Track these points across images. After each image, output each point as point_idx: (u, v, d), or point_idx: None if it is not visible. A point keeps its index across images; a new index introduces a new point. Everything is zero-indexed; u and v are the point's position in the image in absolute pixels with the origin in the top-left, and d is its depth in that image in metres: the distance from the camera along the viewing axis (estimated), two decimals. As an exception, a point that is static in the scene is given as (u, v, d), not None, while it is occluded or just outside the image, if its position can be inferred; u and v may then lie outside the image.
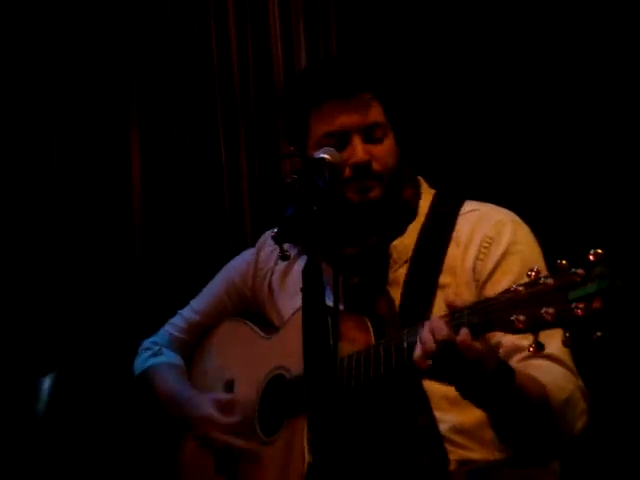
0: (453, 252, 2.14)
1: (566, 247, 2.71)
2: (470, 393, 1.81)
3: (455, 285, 2.11)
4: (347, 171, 2.13)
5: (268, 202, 3.26)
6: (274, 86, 3.31)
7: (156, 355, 2.51)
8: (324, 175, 1.88)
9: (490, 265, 2.09)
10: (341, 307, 2.13)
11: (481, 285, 2.09)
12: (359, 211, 2.16)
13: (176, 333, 2.54)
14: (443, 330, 1.72)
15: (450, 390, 1.90)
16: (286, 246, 1.79)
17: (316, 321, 1.70)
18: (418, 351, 1.75)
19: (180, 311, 2.57)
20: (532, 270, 1.66)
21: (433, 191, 2.28)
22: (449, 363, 1.72)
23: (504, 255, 2.09)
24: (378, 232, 2.17)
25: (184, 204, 3.35)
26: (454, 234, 2.15)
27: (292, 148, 2.28)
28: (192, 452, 2.40)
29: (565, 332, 1.62)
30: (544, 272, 1.66)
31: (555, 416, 1.91)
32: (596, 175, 2.99)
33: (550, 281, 1.62)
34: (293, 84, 2.40)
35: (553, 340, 1.75)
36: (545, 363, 1.98)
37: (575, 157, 3.02)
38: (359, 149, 2.14)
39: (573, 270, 1.59)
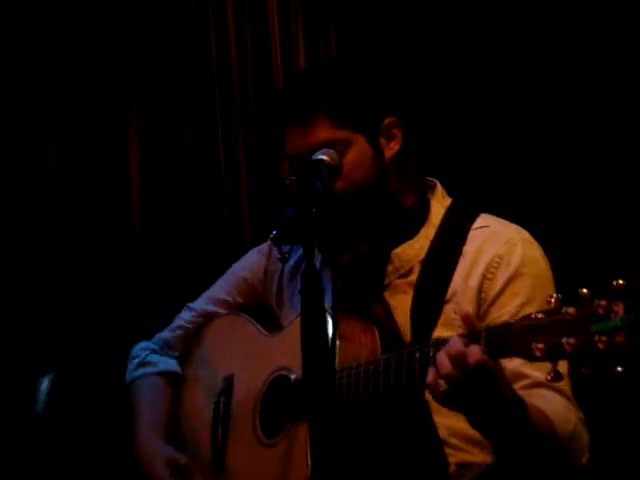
0: (462, 269, 2.08)
1: (578, 267, 2.72)
2: (480, 421, 1.78)
3: (459, 300, 2.07)
4: None
5: (267, 203, 3.26)
6: (273, 88, 3.31)
7: (143, 365, 2.47)
8: (323, 177, 1.88)
9: (499, 286, 2.05)
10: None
11: (488, 304, 2.05)
12: (347, 223, 2.11)
13: (184, 324, 2.49)
14: (476, 354, 1.67)
15: None
16: (287, 247, 1.78)
17: (314, 324, 1.69)
18: (431, 375, 1.72)
19: (189, 303, 2.53)
20: (552, 297, 1.63)
21: (449, 200, 2.22)
22: (467, 387, 1.69)
23: (513, 276, 2.05)
24: (370, 238, 2.14)
25: (182, 204, 3.35)
26: (464, 250, 2.10)
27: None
28: (190, 451, 2.36)
29: (555, 365, 1.60)
30: (546, 292, 1.63)
31: (562, 449, 1.90)
32: (615, 195, 2.93)
33: (572, 311, 1.59)
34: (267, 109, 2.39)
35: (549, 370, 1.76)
36: (548, 393, 1.96)
37: (598, 176, 2.97)
38: None
39: (596, 301, 1.56)
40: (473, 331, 1.73)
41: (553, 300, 1.63)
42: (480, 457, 2.03)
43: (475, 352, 1.67)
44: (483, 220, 2.16)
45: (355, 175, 2.08)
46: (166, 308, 2.75)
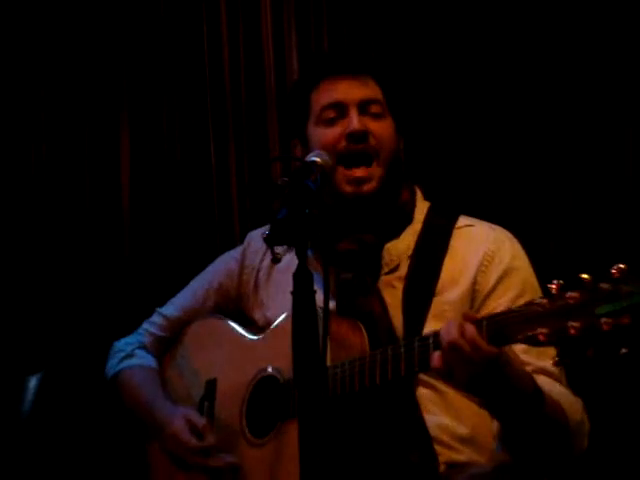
0: (450, 264, 2.15)
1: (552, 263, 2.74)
2: (496, 407, 1.84)
3: (449, 294, 2.12)
4: (342, 143, 2.15)
5: (257, 204, 3.26)
6: (265, 88, 3.31)
7: (129, 357, 2.47)
8: (315, 178, 1.88)
9: (493, 279, 2.12)
10: (332, 303, 2.15)
11: (484, 297, 2.11)
12: (353, 205, 2.16)
13: (155, 331, 2.50)
14: (451, 332, 1.75)
15: (439, 395, 1.92)
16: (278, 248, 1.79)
17: (306, 325, 1.70)
18: (436, 353, 1.78)
19: (159, 309, 2.53)
20: (553, 283, 1.66)
21: (428, 203, 2.30)
22: (459, 364, 1.74)
23: (507, 270, 2.12)
24: (374, 230, 2.18)
25: (173, 205, 3.34)
26: (450, 246, 2.17)
27: (296, 140, 2.29)
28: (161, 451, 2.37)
29: (559, 349, 1.62)
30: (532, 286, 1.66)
31: (571, 437, 1.95)
32: (581, 188, 2.98)
33: (576, 295, 1.62)
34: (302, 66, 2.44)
35: (548, 357, 1.78)
36: (548, 380, 1.99)
37: (563, 165, 3.01)
38: (355, 119, 2.16)
39: (600, 284, 1.59)
40: (475, 319, 1.78)
41: (554, 286, 1.66)
42: (469, 456, 2.05)
43: (479, 344, 1.72)
44: (465, 220, 2.24)
45: (386, 139, 2.18)
46: (155, 306, 2.74)
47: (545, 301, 1.67)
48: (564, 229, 3.01)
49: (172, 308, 2.51)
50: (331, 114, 2.18)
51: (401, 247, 2.19)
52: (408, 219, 2.23)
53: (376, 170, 2.16)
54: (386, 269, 2.18)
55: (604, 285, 1.58)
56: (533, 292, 2.08)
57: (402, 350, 1.91)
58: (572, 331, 1.60)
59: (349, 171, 2.15)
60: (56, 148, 3.37)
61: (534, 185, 3.06)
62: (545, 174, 3.05)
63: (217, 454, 2.19)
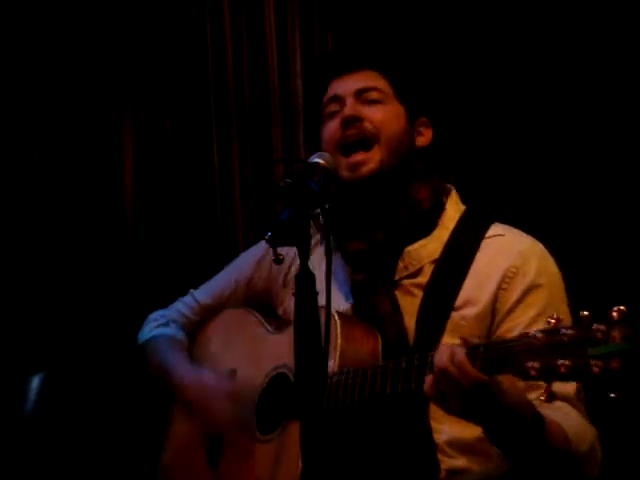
0: (473, 277, 2.09)
1: (589, 280, 2.69)
2: (496, 436, 1.80)
3: (468, 311, 2.07)
4: (339, 133, 2.15)
5: (260, 204, 3.25)
6: (268, 88, 3.30)
7: (163, 326, 2.50)
8: (319, 179, 1.87)
9: (514, 297, 2.05)
10: (350, 302, 2.15)
11: (503, 315, 2.05)
12: (352, 191, 2.14)
13: (186, 312, 2.52)
14: (458, 355, 1.71)
15: None
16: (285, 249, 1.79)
17: (308, 326, 1.70)
18: (428, 383, 1.75)
19: (192, 291, 2.55)
20: (552, 317, 1.64)
21: (463, 207, 2.23)
22: (450, 391, 1.72)
23: (529, 288, 2.05)
24: (383, 225, 2.14)
25: (176, 206, 3.34)
26: (477, 257, 2.11)
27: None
28: (182, 446, 2.38)
29: (550, 386, 1.61)
30: (565, 320, 1.63)
31: (576, 466, 1.91)
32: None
33: (571, 332, 1.59)
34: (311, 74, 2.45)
35: (570, 384, 1.79)
36: (564, 406, 1.95)
37: (609, 188, 2.96)
38: (349, 106, 2.17)
39: (595, 325, 1.56)
40: (473, 345, 1.75)
41: (553, 321, 1.64)
42: (468, 463, 2.04)
43: (468, 371, 1.69)
44: (497, 229, 2.17)
45: (386, 123, 2.16)
46: (158, 308, 2.74)
47: (541, 335, 1.64)
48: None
49: (204, 293, 2.53)
50: (331, 109, 2.20)
51: (424, 252, 2.14)
52: (431, 220, 2.16)
53: (376, 154, 2.14)
54: (405, 272, 2.14)
55: (600, 326, 1.56)
56: (555, 312, 1.97)
57: (403, 366, 1.89)
58: (562, 369, 1.58)
59: (348, 158, 2.14)
60: (59, 148, 3.36)
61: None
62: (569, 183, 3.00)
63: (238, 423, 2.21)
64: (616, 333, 1.54)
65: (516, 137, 3.04)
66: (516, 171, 3.04)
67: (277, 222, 1.75)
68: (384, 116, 2.17)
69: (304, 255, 1.73)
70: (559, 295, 2.07)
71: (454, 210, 2.20)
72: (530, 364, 1.62)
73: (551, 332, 1.62)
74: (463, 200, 2.26)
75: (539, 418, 1.79)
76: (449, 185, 2.25)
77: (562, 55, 3.00)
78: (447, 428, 2.02)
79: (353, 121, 2.14)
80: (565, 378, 1.59)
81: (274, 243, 1.76)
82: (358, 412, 2.01)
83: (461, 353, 1.72)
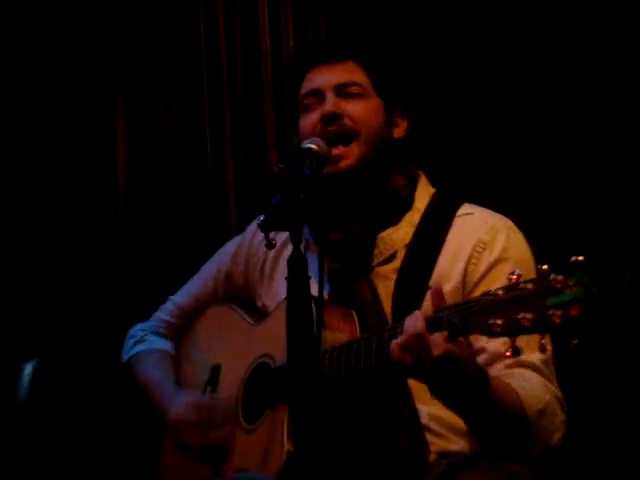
0: (445, 256, 2.12)
1: (561, 253, 2.72)
2: (440, 393, 1.81)
3: (443, 289, 2.02)
4: (319, 127, 2.15)
5: (253, 190, 3.26)
6: (261, 74, 3.30)
7: (140, 342, 2.50)
8: (311, 164, 1.88)
9: (482, 269, 2.09)
10: (326, 291, 2.14)
11: (471, 288, 2.08)
12: (331, 184, 2.14)
13: (167, 317, 2.53)
14: (417, 322, 1.74)
15: None
16: (272, 234, 1.78)
17: (300, 311, 1.70)
18: (395, 341, 1.77)
19: (171, 297, 2.56)
20: (513, 273, 1.66)
21: (433, 189, 2.27)
22: (416, 356, 1.73)
23: (496, 261, 2.09)
24: (365, 218, 2.16)
25: (169, 192, 3.34)
26: (448, 236, 2.15)
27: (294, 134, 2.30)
28: (173, 446, 2.39)
29: (541, 339, 1.62)
30: (525, 277, 1.64)
31: (530, 426, 1.91)
32: (595, 178, 2.93)
33: (529, 286, 1.61)
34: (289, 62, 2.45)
35: (534, 349, 1.77)
36: (527, 372, 1.98)
37: (572, 159, 2.97)
38: (328, 102, 2.17)
39: (553, 276, 1.58)
40: (439, 307, 1.76)
41: (514, 277, 1.65)
42: (459, 446, 2.04)
43: (439, 342, 1.71)
44: (466, 208, 2.21)
45: (366, 119, 2.17)
46: (151, 295, 2.75)
47: (501, 291, 1.65)
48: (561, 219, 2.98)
49: (182, 296, 2.54)
50: (309, 101, 2.20)
51: (397, 236, 2.17)
52: (404, 206, 2.20)
53: (355, 149, 2.14)
54: (380, 258, 2.16)
55: (557, 276, 1.57)
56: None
57: (374, 339, 1.90)
58: (525, 323, 1.59)
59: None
60: (52, 130, 3.38)
61: (540, 175, 3.02)
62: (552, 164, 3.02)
63: (218, 429, 2.22)
64: (572, 282, 1.55)
65: (491, 123, 3.05)
66: (492, 157, 3.06)
67: (269, 206, 1.75)
68: (364, 112, 2.18)
69: (296, 239, 1.73)
70: (526, 266, 2.07)
71: (424, 192, 2.24)
72: (493, 321, 1.63)
73: (511, 288, 1.64)
74: (433, 184, 2.29)
75: (482, 373, 1.80)
76: (418, 170, 2.28)
77: (538, 43, 3.00)
78: (433, 409, 2.03)
79: (333, 118, 2.15)
80: (529, 331, 1.60)
81: (266, 228, 1.76)
82: (344, 392, 2.01)
83: (419, 316, 1.74)
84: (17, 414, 2.73)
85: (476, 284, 2.08)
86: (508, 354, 1.64)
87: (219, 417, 2.23)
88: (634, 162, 2.89)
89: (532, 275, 1.97)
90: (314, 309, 1.73)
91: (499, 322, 1.63)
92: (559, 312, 1.55)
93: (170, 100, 3.37)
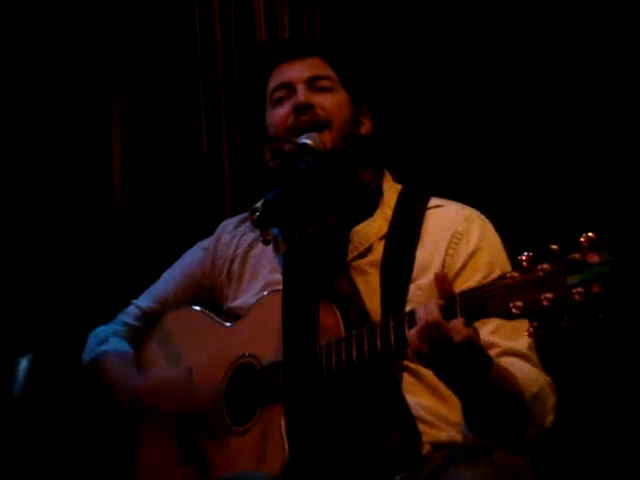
0: (422, 248, 2.15)
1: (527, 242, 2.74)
2: (448, 375, 1.82)
3: (424, 280, 2.11)
4: (290, 119, 2.19)
5: (248, 186, 3.25)
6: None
7: (103, 343, 2.48)
8: (306, 160, 1.88)
9: (460, 261, 2.13)
10: None
11: (451, 279, 2.06)
12: (321, 189, 2.13)
13: (130, 321, 2.52)
14: (433, 313, 1.74)
15: (420, 379, 1.96)
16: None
17: (298, 307, 1.69)
18: (413, 330, 1.77)
19: (134, 300, 2.55)
20: (523, 255, 1.66)
21: (399, 185, 2.31)
22: (436, 345, 1.74)
23: (474, 251, 2.13)
24: (337, 211, 2.18)
25: (165, 188, 3.34)
26: (422, 228, 2.18)
27: (265, 145, 2.32)
28: (152, 444, 2.36)
29: (533, 321, 1.62)
30: (501, 266, 1.65)
31: (527, 408, 1.93)
32: (555, 167, 2.97)
33: (547, 266, 1.62)
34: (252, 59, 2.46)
35: (521, 338, 1.82)
36: (516, 360, 2.01)
37: (566, 155, 2.98)
38: (300, 93, 2.21)
39: (570, 254, 1.59)
40: (447, 295, 1.76)
41: (525, 258, 1.66)
42: (451, 435, 2.06)
43: (459, 328, 1.72)
44: (436, 201, 2.26)
45: (337, 109, 2.22)
46: (146, 289, 2.73)
47: (516, 274, 1.66)
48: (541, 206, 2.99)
49: (146, 299, 2.53)
50: (280, 94, 2.24)
51: (371, 230, 2.20)
52: (374, 199, 2.23)
53: (327, 135, 2.17)
54: (355, 252, 2.18)
55: (574, 255, 1.58)
56: (502, 271, 2.02)
57: (378, 329, 1.91)
58: (545, 302, 1.60)
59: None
60: (48, 133, 3.38)
61: (509, 166, 3.04)
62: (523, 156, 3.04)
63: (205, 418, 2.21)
64: (592, 258, 1.56)
65: (488, 124, 3.06)
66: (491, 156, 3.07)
67: (264, 202, 1.75)
68: (335, 103, 2.23)
69: (290, 235, 1.74)
70: (501, 256, 2.14)
71: (391, 189, 2.28)
72: (512, 304, 1.64)
73: (526, 270, 1.65)
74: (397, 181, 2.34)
75: (485, 355, 1.81)
76: (383, 168, 2.32)
77: (526, 35, 3.02)
78: (423, 400, 2.05)
79: (306, 108, 2.19)
80: (549, 310, 1.61)
81: (261, 223, 1.76)
82: (334, 388, 2.01)
83: (434, 307, 1.75)
84: (12, 409, 2.72)
85: (456, 274, 2.11)
86: (527, 334, 1.65)
87: (200, 400, 2.22)
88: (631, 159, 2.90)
89: (507, 263, 2.08)
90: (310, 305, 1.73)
91: (518, 304, 1.64)
92: (581, 290, 1.56)
93: (166, 97, 3.37)
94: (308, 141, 1.97)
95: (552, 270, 1.61)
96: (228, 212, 3.28)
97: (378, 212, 2.22)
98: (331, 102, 2.22)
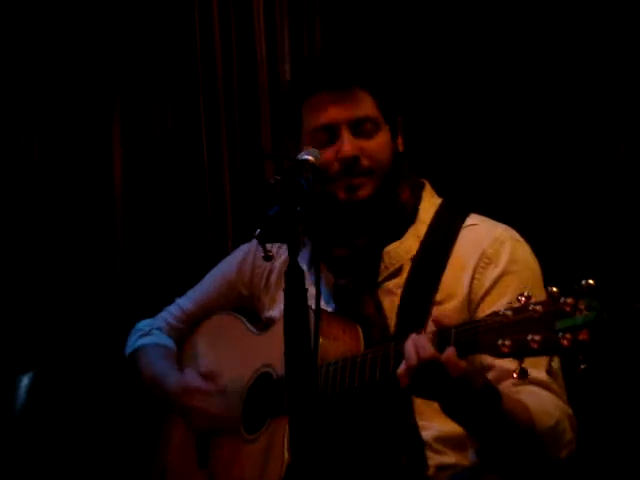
0: (451, 269, 2.11)
1: (568, 266, 2.71)
2: (453, 410, 1.81)
3: (449, 305, 2.08)
4: (335, 166, 2.14)
5: (250, 200, 3.25)
6: (257, 84, 3.29)
7: (146, 335, 2.52)
8: (308, 176, 1.87)
9: (487, 285, 2.07)
10: (331, 308, 2.16)
11: (476, 304, 2.07)
12: (347, 210, 2.15)
13: (171, 320, 2.55)
14: (426, 348, 1.72)
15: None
16: (276, 245, 1.78)
17: (297, 323, 1.69)
18: (402, 367, 1.76)
19: (177, 299, 2.58)
20: (522, 295, 1.65)
21: (439, 200, 2.26)
22: (431, 381, 1.72)
23: (501, 275, 2.07)
24: (369, 232, 2.16)
25: (165, 201, 3.33)
26: (454, 249, 2.13)
27: (290, 143, 2.29)
28: (176, 447, 2.41)
29: (550, 361, 1.62)
30: (535, 298, 1.64)
31: (540, 443, 1.90)
32: (606, 194, 2.92)
33: (539, 308, 1.61)
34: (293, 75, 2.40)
35: (543, 367, 1.79)
36: (536, 389, 1.97)
37: (585, 174, 2.96)
38: (347, 143, 2.14)
39: (563, 299, 1.58)
40: (443, 329, 1.76)
41: (523, 299, 1.65)
42: (459, 459, 2.04)
43: (455, 364, 1.70)
44: (473, 219, 2.19)
45: (380, 156, 2.17)
46: (147, 305, 2.74)
47: (510, 312, 1.65)
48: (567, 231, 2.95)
49: (188, 301, 2.55)
50: (323, 137, 2.16)
51: (402, 250, 2.16)
52: (410, 219, 2.19)
53: (370, 182, 2.15)
54: (385, 273, 2.15)
55: (567, 299, 1.57)
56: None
57: (380, 354, 1.90)
58: (533, 345, 1.60)
59: (346, 180, 2.15)
60: (48, 136, 3.37)
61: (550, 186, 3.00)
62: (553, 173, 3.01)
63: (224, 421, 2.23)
64: (583, 305, 1.55)
65: (493, 128, 3.04)
66: (495, 162, 3.05)
67: (265, 218, 1.74)
68: (379, 150, 2.17)
69: (293, 252, 1.72)
70: (533, 280, 2.08)
71: (429, 204, 2.23)
72: (501, 342, 1.64)
73: (520, 309, 1.64)
74: (439, 193, 2.29)
75: (492, 388, 1.79)
76: (422, 179, 2.28)
77: (535, 49, 3.00)
78: (436, 425, 2.03)
79: (354, 162, 2.14)
80: (537, 353, 1.60)
81: (263, 239, 1.75)
82: (346, 405, 2.01)
83: (425, 340, 1.74)
84: (14, 426, 2.72)
85: (482, 299, 2.06)
86: (515, 375, 1.64)
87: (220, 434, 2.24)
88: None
89: (539, 288, 2.01)
90: (312, 321, 1.72)
91: (507, 343, 1.63)
92: (569, 335, 1.56)
93: (166, 107, 3.36)
94: (309, 157, 1.95)
95: (543, 312, 1.60)
96: (229, 216, 3.28)
97: (411, 230, 2.18)
98: (376, 148, 2.16)
